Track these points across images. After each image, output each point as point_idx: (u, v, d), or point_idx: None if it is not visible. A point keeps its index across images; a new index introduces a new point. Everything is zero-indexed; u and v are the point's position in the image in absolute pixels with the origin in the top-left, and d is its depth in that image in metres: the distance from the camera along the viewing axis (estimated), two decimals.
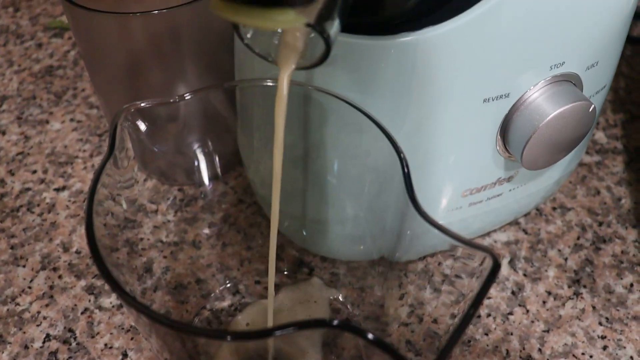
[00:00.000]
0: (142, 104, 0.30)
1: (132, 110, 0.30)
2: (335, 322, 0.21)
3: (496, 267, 0.22)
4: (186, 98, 0.31)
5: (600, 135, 0.49)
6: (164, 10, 0.36)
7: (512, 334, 0.36)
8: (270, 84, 0.31)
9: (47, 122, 0.50)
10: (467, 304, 0.22)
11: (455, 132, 0.32)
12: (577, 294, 0.38)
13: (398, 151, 0.26)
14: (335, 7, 0.23)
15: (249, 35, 0.26)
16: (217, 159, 0.40)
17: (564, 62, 0.32)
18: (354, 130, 0.30)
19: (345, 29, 0.27)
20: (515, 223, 0.42)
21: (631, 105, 0.51)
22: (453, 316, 0.27)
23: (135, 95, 0.43)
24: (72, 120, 0.50)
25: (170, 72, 0.41)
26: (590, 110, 0.33)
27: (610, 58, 0.35)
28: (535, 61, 0.31)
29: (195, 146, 0.41)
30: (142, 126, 0.31)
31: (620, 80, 0.54)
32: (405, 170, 0.26)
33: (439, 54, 0.29)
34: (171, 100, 0.30)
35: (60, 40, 0.58)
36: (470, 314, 0.21)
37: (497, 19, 0.28)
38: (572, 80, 0.33)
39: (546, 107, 0.32)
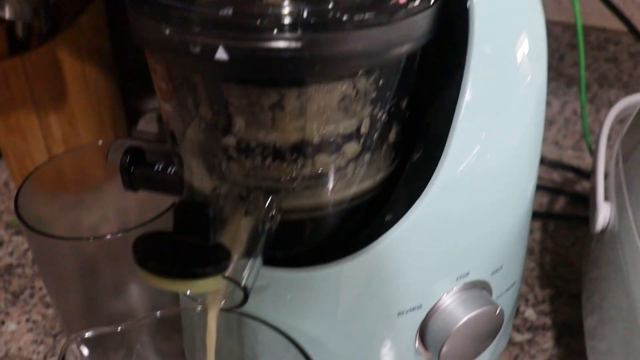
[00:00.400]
0: (88, 334, 0.33)
1: (79, 337, 0.33)
2: None
3: None
4: (132, 324, 0.34)
5: (530, 313, 0.52)
6: (119, 235, 0.40)
7: None
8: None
9: (3, 322, 0.52)
10: None
11: (375, 341, 0.35)
12: None
13: None
14: (249, 261, 0.27)
15: None
16: None
17: (469, 272, 0.36)
18: (281, 348, 0.33)
19: (269, 262, 0.31)
20: None
21: (558, 280, 0.55)
22: None
23: (88, 298, 0.46)
24: (28, 320, 0.52)
25: (123, 277, 0.44)
26: (497, 312, 0.36)
27: (514, 259, 0.39)
28: (440, 275, 0.35)
29: (146, 349, 0.43)
30: (86, 350, 0.34)
31: (546, 256, 0.58)
32: None
33: (352, 280, 0.32)
34: (118, 330, 0.33)
35: (21, 238, 0.61)
36: None
37: (400, 246, 0.32)
38: (480, 285, 0.37)
39: (456, 314, 0.35)
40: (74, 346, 0.33)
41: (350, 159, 0.30)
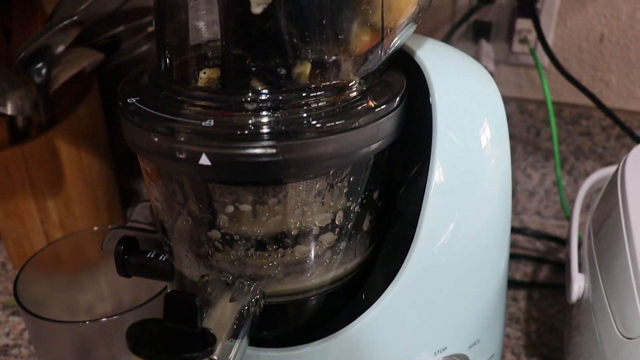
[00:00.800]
0: None
1: None
2: None
3: None
4: None
5: None
6: (114, 317, 0.42)
7: None
8: None
9: None
10: None
11: None
12: None
13: None
14: (235, 343, 0.29)
15: None
16: None
17: (447, 347, 0.38)
18: None
19: (255, 343, 0.32)
20: None
21: (543, 348, 0.57)
22: None
23: None
24: None
25: (116, 354, 0.46)
26: None
27: (492, 332, 0.41)
28: (419, 350, 0.37)
29: None
30: None
31: (531, 324, 0.60)
32: None
33: (335, 358, 0.34)
34: None
35: (18, 318, 0.62)
36: None
37: (380, 324, 0.34)
38: (459, 358, 0.39)
39: None
40: None
41: (328, 247, 0.32)
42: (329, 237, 0.32)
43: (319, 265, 0.33)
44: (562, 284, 0.63)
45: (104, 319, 0.42)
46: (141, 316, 0.43)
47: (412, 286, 0.34)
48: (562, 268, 0.65)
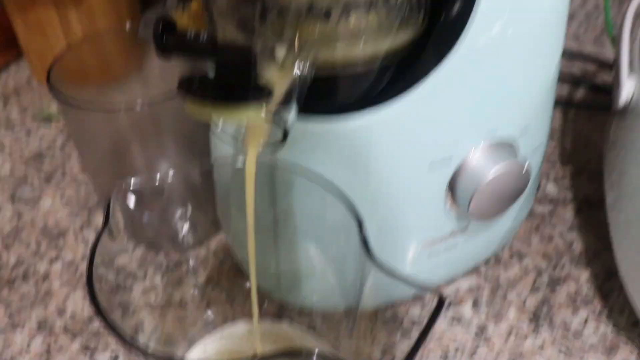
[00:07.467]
0: (131, 184, 0.34)
1: (122, 188, 0.34)
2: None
3: (441, 303, 0.26)
4: (169, 178, 0.35)
5: (551, 187, 0.53)
6: (146, 107, 0.41)
7: None
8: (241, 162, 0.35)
9: (40, 199, 0.54)
10: (417, 336, 0.26)
11: (407, 194, 0.36)
12: (536, 331, 0.42)
13: (355, 215, 0.31)
14: (291, 99, 0.28)
15: (220, 125, 0.31)
16: (199, 226, 0.44)
17: (497, 128, 0.37)
18: (316, 197, 0.34)
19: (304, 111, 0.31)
20: (475, 271, 0.46)
21: (579, 158, 0.56)
22: None
23: (121, 171, 0.47)
24: (62, 197, 0.54)
25: (152, 152, 0.45)
26: (524, 169, 0.37)
27: (540, 121, 0.40)
28: (469, 128, 0.36)
29: (179, 216, 0.45)
30: (131, 201, 0.35)
31: (567, 139, 0.59)
32: (361, 230, 0.30)
33: (386, 132, 0.34)
34: (156, 183, 0.36)
35: (48, 129, 0.62)
36: (418, 343, 0.25)
37: (433, 99, 0.33)
38: (509, 142, 0.38)
39: (485, 167, 0.36)
40: (117, 199, 0.35)
41: (377, 16, 0.30)
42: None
43: (368, 37, 0.31)
44: (598, 104, 0.61)
45: (137, 109, 0.41)
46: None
47: (466, 64, 0.33)
48: (599, 91, 0.63)
